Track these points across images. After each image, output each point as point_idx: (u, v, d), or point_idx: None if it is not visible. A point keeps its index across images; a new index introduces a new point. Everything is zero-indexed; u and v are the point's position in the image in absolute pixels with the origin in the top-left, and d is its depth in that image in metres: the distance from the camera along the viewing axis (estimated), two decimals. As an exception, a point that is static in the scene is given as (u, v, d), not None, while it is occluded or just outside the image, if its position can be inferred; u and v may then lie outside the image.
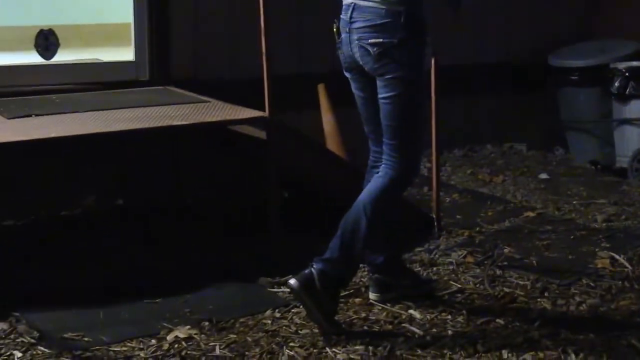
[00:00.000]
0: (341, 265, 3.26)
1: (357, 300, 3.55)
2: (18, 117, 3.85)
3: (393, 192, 3.34)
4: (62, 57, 4.86)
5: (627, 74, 5.46)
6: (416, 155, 3.35)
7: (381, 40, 3.17)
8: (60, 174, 4.37)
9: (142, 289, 3.54)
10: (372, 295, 3.56)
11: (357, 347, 3.12)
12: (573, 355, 3.09)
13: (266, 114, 3.94)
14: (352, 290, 3.61)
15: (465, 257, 4.06)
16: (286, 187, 4.34)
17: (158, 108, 4.10)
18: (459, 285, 3.73)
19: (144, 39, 4.90)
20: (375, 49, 3.18)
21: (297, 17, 5.33)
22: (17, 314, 3.31)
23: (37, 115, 3.90)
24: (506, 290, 3.70)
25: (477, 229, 4.48)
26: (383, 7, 3.17)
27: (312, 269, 3.23)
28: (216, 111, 4.05)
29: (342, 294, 3.49)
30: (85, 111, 4.01)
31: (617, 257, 4.07)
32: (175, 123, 3.73)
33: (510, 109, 6.06)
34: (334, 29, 3.35)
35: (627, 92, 5.47)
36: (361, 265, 3.74)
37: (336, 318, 3.31)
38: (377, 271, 3.56)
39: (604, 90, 5.65)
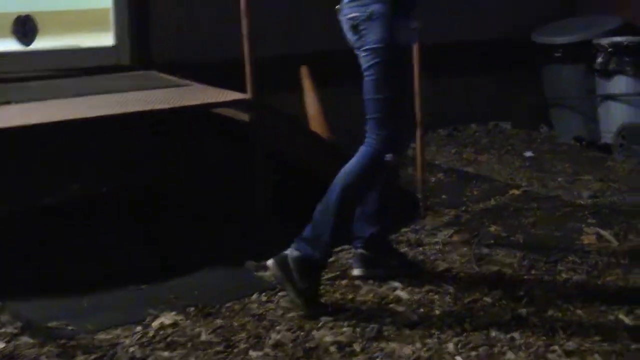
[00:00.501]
0: (312, 245, 3.25)
1: (344, 282, 3.53)
2: (-4, 105, 3.81)
3: (367, 171, 3.28)
4: (41, 44, 4.80)
5: (610, 50, 5.45)
6: (394, 132, 3.28)
7: (356, 14, 3.24)
8: (43, 162, 4.30)
9: (126, 276, 3.51)
10: (355, 271, 3.56)
11: (344, 329, 3.10)
12: (561, 332, 3.08)
13: (249, 95, 3.91)
14: (338, 272, 3.59)
15: (451, 236, 4.05)
16: (275, 170, 4.30)
17: (139, 93, 4.07)
18: (446, 265, 3.72)
19: (124, 24, 4.86)
20: (350, 22, 3.27)
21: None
22: (0, 303, 3.27)
23: (16, 102, 3.85)
24: (493, 268, 3.69)
25: (463, 208, 4.47)
26: None
27: (289, 249, 3.24)
28: (198, 94, 4.02)
29: (328, 277, 3.50)
30: (66, 97, 3.97)
31: (603, 232, 4.07)
32: (156, 107, 3.69)
33: (494, 88, 6.04)
34: (336, 8, 3.39)
35: (610, 68, 5.45)
36: (346, 246, 3.75)
37: (322, 300, 3.30)
38: (364, 246, 3.55)
39: (587, 66, 5.63)
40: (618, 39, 5.48)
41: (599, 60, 5.48)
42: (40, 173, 4.29)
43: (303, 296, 3.22)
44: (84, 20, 5.46)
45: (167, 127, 4.19)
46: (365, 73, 3.27)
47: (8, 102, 3.85)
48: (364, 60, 3.25)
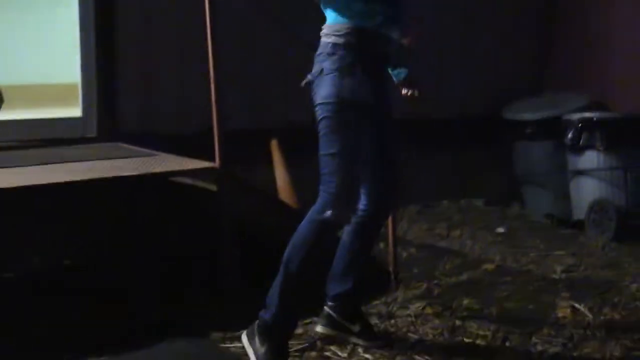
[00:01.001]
0: (268, 309, 3.22)
1: (313, 353, 3.43)
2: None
3: (309, 229, 3.19)
4: (6, 116, 4.73)
5: (580, 125, 5.46)
6: (338, 190, 3.16)
7: (314, 70, 3.25)
8: (2, 232, 4.18)
9: (86, 348, 3.38)
10: (318, 327, 3.52)
11: (312, 401, 3.00)
12: (537, 403, 2.99)
13: (216, 164, 3.84)
14: (307, 344, 3.48)
15: (423, 308, 3.95)
16: (241, 243, 4.20)
17: (105, 162, 4.00)
18: (418, 337, 3.62)
19: (92, 96, 4.82)
20: (308, 79, 3.26)
21: (249, 72, 5.28)
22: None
23: (-24, 170, 3.76)
24: (467, 340, 3.60)
25: (435, 281, 4.39)
26: (321, 39, 3.26)
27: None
28: (164, 163, 3.96)
29: (297, 348, 3.39)
30: (29, 165, 3.89)
31: (577, 306, 4.00)
32: (121, 174, 3.61)
33: (466, 164, 6.03)
34: None
35: (580, 143, 5.45)
36: (315, 318, 3.66)
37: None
38: (331, 306, 3.50)
39: (557, 143, 5.63)
40: (588, 114, 5.50)
41: (569, 136, 5.48)
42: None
43: None
44: (51, 94, 5.41)
45: (132, 197, 4.12)
46: (318, 129, 3.24)
47: (-31, 168, 3.76)
48: (316, 115, 3.23)
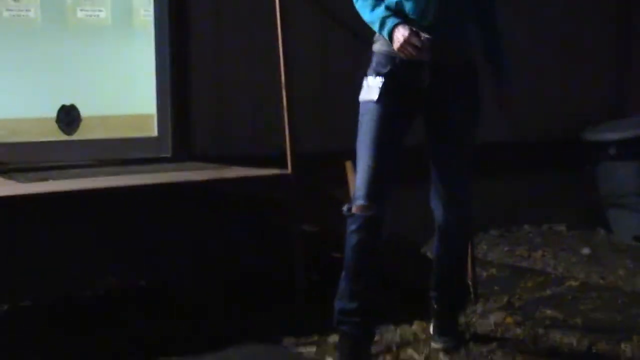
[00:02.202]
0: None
1: (388, 357, 3.31)
2: (33, 182, 3.74)
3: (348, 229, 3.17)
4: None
5: (666, 143, 5.26)
6: (357, 186, 3.20)
7: None
8: (76, 251, 4.16)
9: (159, 349, 3.33)
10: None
11: (388, 398, 2.88)
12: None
13: (289, 171, 3.80)
14: (383, 348, 3.37)
15: (504, 318, 3.80)
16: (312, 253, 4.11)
17: (177, 173, 3.98)
18: (499, 343, 3.47)
19: (167, 122, 4.83)
20: None
21: (322, 94, 5.24)
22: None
23: (53, 180, 3.79)
24: (549, 346, 3.45)
25: (517, 296, 4.23)
26: None
27: None
28: (237, 172, 3.93)
29: (374, 352, 3.28)
30: (103, 176, 3.90)
31: (671, 317, 3.81)
32: (192, 179, 3.58)
33: (546, 189, 5.84)
34: None
35: (668, 163, 5.25)
36: (391, 326, 3.58)
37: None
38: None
39: (643, 163, 5.43)
40: (675, 132, 5.30)
41: (656, 154, 5.28)
42: (73, 264, 4.15)
43: None
44: (128, 124, 5.46)
45: (204, 209, 4.08)
46: None
47: (44, 180, 3.78)
48: None
